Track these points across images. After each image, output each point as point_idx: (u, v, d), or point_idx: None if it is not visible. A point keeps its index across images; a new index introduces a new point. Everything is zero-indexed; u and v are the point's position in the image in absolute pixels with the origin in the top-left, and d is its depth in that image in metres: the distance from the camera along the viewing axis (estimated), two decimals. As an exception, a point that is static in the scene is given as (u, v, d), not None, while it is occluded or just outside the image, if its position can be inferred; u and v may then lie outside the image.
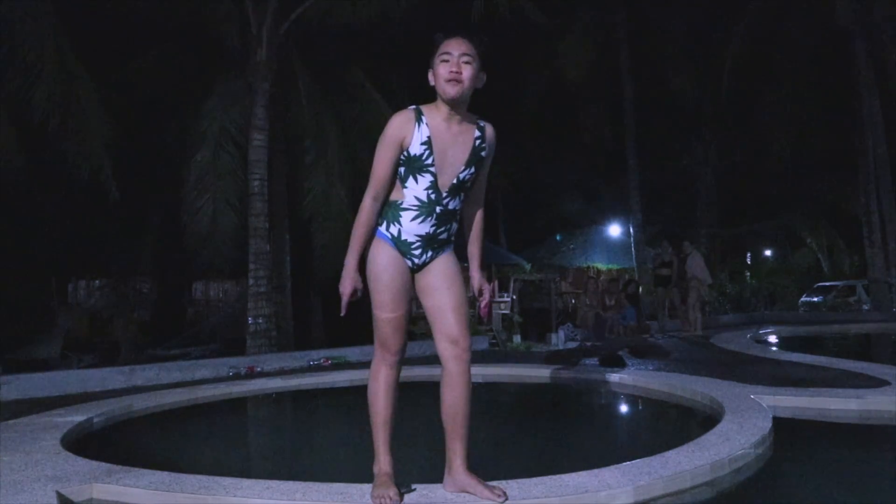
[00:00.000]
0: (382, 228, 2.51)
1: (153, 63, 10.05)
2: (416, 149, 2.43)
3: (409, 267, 2.53)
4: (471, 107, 2.56)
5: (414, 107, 2.49)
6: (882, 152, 15.66)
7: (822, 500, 2.89)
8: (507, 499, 2.42)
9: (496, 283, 13.53)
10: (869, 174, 15.92)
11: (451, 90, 2.40)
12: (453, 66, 2.39)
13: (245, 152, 9.28)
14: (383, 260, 2.50)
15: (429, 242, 2.51)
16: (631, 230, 16.96)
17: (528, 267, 18.04)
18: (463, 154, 2.48)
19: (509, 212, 22.22)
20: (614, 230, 21.15)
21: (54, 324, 11.11)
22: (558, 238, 22.26)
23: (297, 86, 10.27)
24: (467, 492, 2.46)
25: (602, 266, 20.34)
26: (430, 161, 2.44)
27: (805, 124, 16.58)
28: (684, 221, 19.22)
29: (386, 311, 2.49)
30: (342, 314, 2.46)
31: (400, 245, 2.50)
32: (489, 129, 2.57)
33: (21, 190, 9.15)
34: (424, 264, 2.55)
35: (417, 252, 2.51)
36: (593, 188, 21.56)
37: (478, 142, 2.52)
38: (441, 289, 2.53)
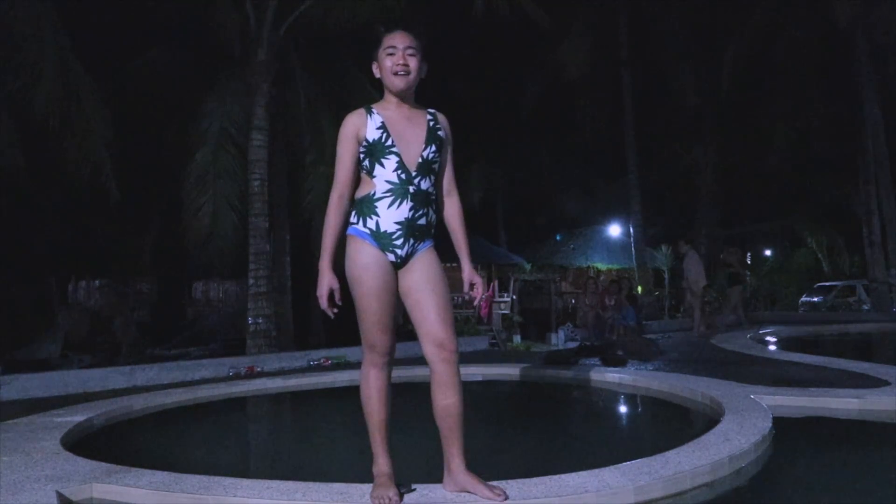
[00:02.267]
0: (359, 226, 2.50)
1: (153, 63, 10.05)
2: (372, 134, 2.50)
3: (393, 262, 2.50)
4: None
5: (365, 106, 2.59)
6: (882, 152, 15.66)
7: (822, 500, 2.89)
8: (507, 498, 2.41)
9: (496, 283, 13.53)
10: (869, 174, 15.92)
11: (399, 82, 2.52)
12: (399, 58, 2.51)
13: (245, 152, 9.28)
14: (363, 259, 2.47)
15: (409, 230, 2.48)
16: (631, 230, 16.95)
17: (528, 267, 18.06)
18: (420, 133, 2.54)
19: (509, 212, 22.23)
20: (614, 230, 21.17)
21: (54, 324, 11.10)
22: (558, 238, 22.28)
23: (297, 86, 10.27)
24: (468, 491, 2.46)
25: (602, 266, 20.36)
26: (389, 142, 2.49)
27: (805, 124, 16.59)
28: (684, 221, 19.21)
29: (370, 312, 2.46)
30: (331, 317, 2.48)
31: (380, 238, 2.47)
32: (441, 116, 2.66)
33: (21, 190, 9.15)
34: (408, 257, 2.51)
35: (399, 242, 2.47)
36: (593, 188, 21.55)
37: (431, 123, 2.59)
38: (424, 290, 2.49)
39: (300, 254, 11.31)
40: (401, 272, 2.52)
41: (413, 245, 2.51)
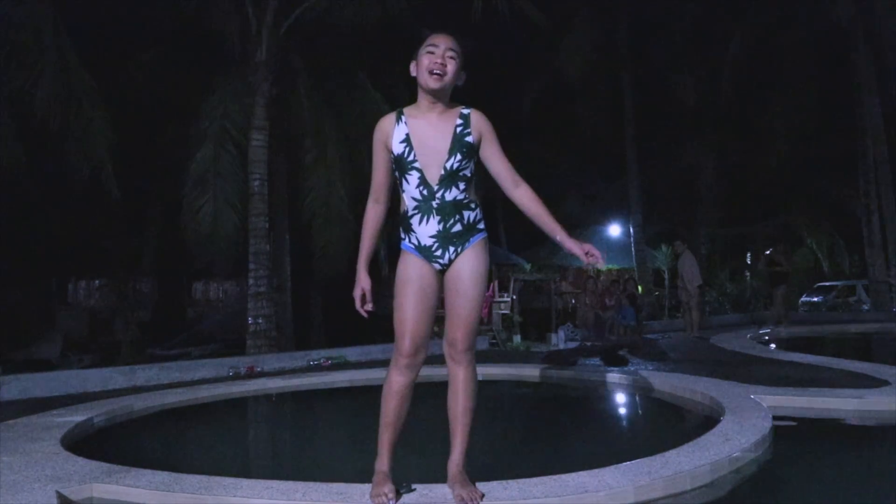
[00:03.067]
0: (406, 241, 2.58)
1: (153, 63, 10.04)
2: (397, 148, 2.51)
3: (438, 269, 2.55)
4: (470, 105, 2.60)
5: (398, 109, 2.59)
6: (882, 152, 15.65)
7: (822, 500, 2.89)
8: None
9: (496, 283, 13.53)
10: (869, 174, 15.91)
11: (433, 82, 2.48)
12: (438, 58, 2.48)
13: (245, 152, 9.27)
14: (408, 271, 2.54)
15: (445, 240, 2.52)
16: (631, 230, 16.95)
17: (528, 267, 18.04)
18: (444, 143, 2.50)
19: (509, 212, 22.15)
20: (614, 230, 21.14)
21: (54, 324, 11.12)
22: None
23: (297, 86, 10.26)
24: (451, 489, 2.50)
25: (602, 266, 20.32)
26: (412, 157, 2.50)
27: (805, 124, 16.57)
28: (685, 221, 19.19)
29: (398, 312, 2.52)
30: (365, 316, 2.58)
31: (423, 252, 2.53)
32: (475, 114, 2.58)
33: (21, 190, 9.14)
34: (452, 261, 2.55)
35: (439, 253, 2.53)
36: (593, 188, 21.53)
37: (459, 129, 2.53)
38: (451, 291, 2.56)
39: (300, 254, 11.31)
40: (446, 273, 2.58)
41: (455, 251, 2.54)
